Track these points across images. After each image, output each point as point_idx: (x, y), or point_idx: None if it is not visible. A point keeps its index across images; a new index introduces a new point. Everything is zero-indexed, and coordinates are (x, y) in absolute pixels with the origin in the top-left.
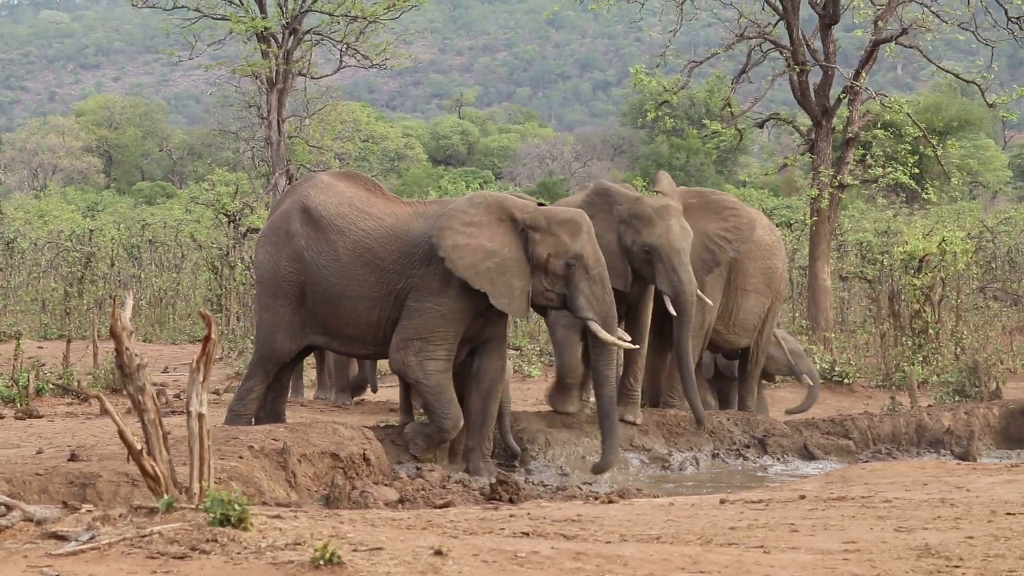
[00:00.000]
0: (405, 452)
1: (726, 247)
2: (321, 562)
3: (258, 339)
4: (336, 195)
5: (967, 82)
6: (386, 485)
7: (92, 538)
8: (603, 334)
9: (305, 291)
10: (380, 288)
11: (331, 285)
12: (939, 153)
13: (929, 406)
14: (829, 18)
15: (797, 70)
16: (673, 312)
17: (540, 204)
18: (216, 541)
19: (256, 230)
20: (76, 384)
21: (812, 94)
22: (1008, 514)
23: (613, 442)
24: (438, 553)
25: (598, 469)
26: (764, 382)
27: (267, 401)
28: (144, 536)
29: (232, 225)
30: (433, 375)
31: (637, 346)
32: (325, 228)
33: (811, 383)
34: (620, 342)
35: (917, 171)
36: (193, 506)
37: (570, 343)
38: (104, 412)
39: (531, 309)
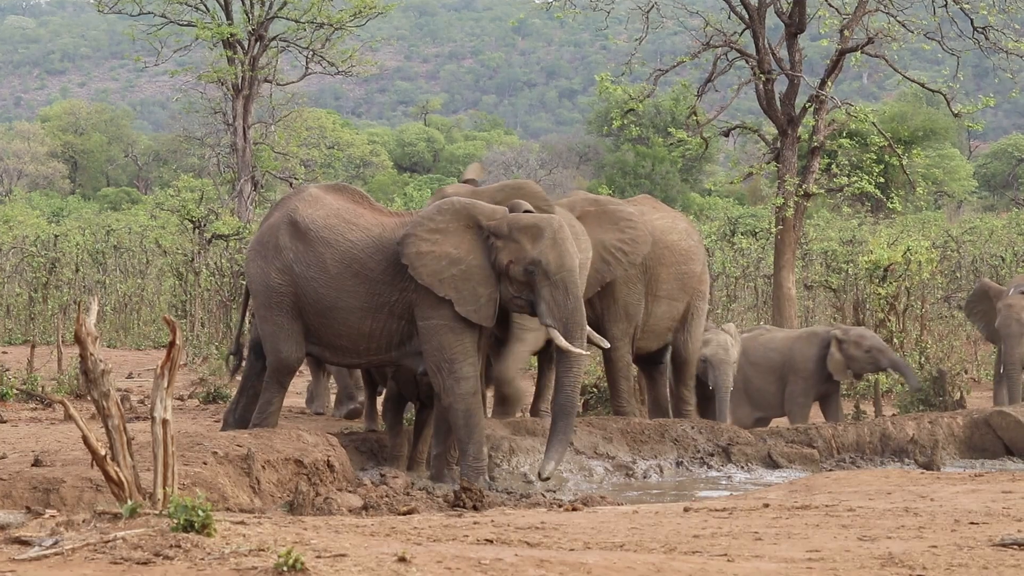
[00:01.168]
0: (369, 459)
1: (621, 259)
2: (285, 568)
3: (266, 351)
4: (323, 207)
5: (933, 91)
6: (350, 492)
7: (56, 543)
8: (560, 341)
9: (296, 303)
10: (370, 299)
11: (321, 297)
12: (904, 162)
13: (893, 415)
14: (795, 27)
15: (763, 79)
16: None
17: (511, 210)
18: (180, 547)
19: (221, 236)
20: (40, 389)
21: (778, 103)
22: (971, 523)
23: (559, 450)
24: (402, 560)
25: (541, 476)
26: (853, 383)
27: (237, 406)
28: (108, 542)
29: (197, 231)
30: (463, 398)
31: (587, 353)
32: (313, 240)
33: (905, 373)
34: (573, 348)
35: (882, 180)
36: (157, 512)
37: (511, 354)
38: (68, 417)
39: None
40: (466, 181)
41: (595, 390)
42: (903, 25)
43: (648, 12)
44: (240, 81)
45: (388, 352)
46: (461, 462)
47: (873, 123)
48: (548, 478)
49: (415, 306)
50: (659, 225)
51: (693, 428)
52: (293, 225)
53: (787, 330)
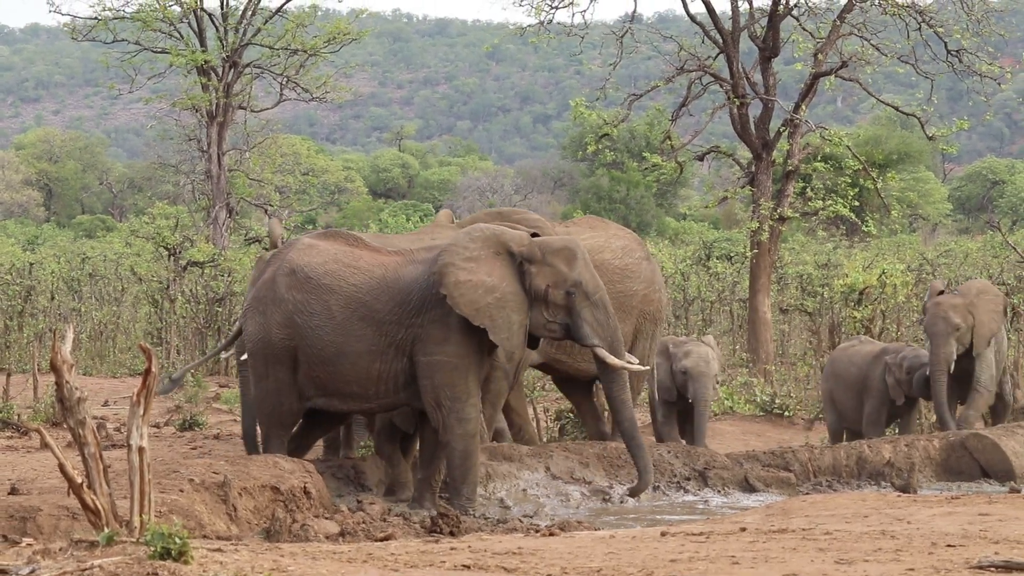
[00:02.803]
0: (346, 485)
1: None
2: None
3: (262, 410)
4: (320, 254)
5: (907, 115)
6: (327, 518)
7: (32, 572)
8: (611, 359)
9: (298, 356)
10: (378, 341)
11: (327, 344)
12: (879, 186)
13: (869, 438)
14: (769, 51)
15: (737, 103)
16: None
17: (534, 235)
18: (157, 575)
19: (197, 263)
20: (16, 417)
21: (752, 127)
22: (948, 546)
23: (645, 462)
24: None
25: (634, 492)
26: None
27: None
28: (85, 569)
29: (172, 258)
30: (463, 439)
31: (647, 367)
32: (315, 288)
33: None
34: (629, 366)
35: (857, 204)
36: (134, 540)
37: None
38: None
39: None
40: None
41: (571, 415)
42: (877, 49)
43: (622, 37)
44: (214, 108)
45: (397, 394)
46: (453, 501)
47: (847, 146)
48: (639, 493)
49: (418, 341)
50: (589, 245)
51: (669, 452)
52: (291, 275)
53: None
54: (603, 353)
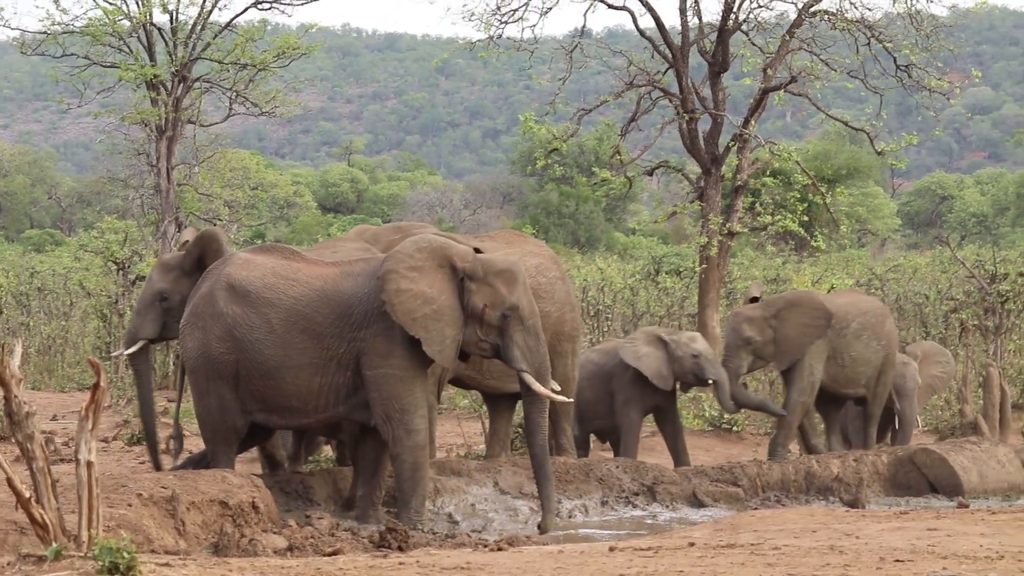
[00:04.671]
0: (294, 499)
1: None
2: None
3: (206, 427)
4: (258, 268)
5: (856, 130)
6: (275, 533)
7: None
8: (536, 386)
9: (239, 370)
10: (319, 354)
11: (268, 358)
12: (828, 201)
13: (818, 453)
14: (718, 66)
15: (686, 118)
16: None
17: (476, 251)
18: None
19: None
20: None
21: (701, 142)
22: (897, 561)
23: (550, 493)
24: None
25: (543, 530)
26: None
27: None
28: None
29: (121, 273)
30: (412, 451)
31: (570, 399)
32: (254, 302)
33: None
34: (552, 394)
35: (806, 219)
36: (82, 554)
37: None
38: None
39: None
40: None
41: (519, 431)
42: (826, 64)
43: (571, 52)
44: (163, 122)
45: (336, 407)
46: (401, 513)
47: (797, 162)
48: (548, 530)
49: (363, 355)
50: None
51: (618, 467)
52: (230, 290)
53: None
54: (529, 379)
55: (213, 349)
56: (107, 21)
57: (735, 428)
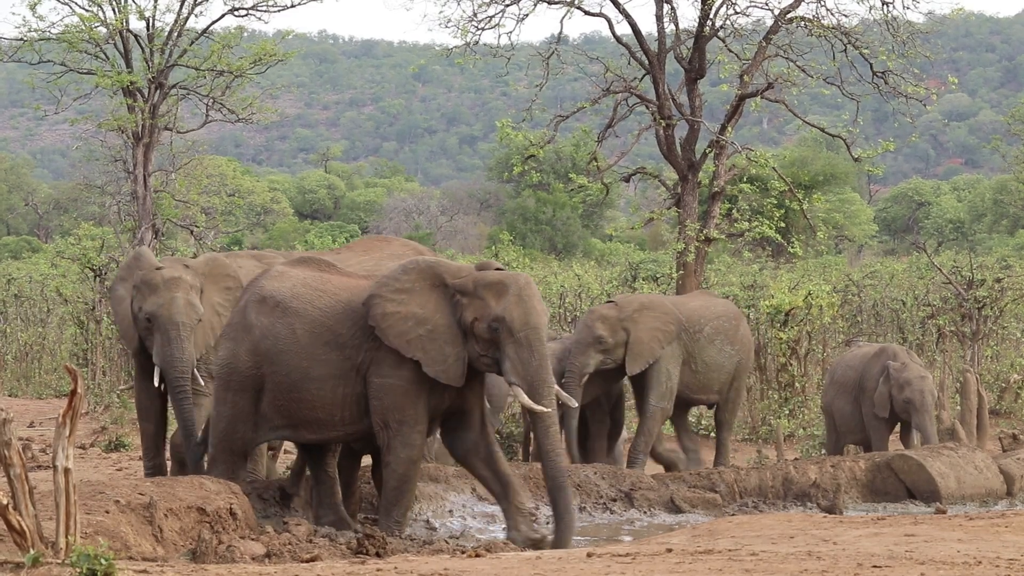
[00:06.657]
0: (272, 506)
1: None
2: None
3: (215, 432)
4: (290, 279)
5: (832, 136)
6: (253, 539)
7: None
8: (524, 399)
9: (265, 383)
10: (342, 364)
11: (292, 369)
12: (805, 207)
13: (795, 459)
14: (695, 72)
15: (663, 124)
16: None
17: (480, 267)
18: None
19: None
20: None
21: (678, 148)
22: (874, 567)
23: (570, 523)
24: None
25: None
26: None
27: (319, 495)
28: None
29: (98, 279)
30: (404, 463)
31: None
32: (281, 313)
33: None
34: (535, 407)
35: (783, 225)
36: (59, 561)
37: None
38: None
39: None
40: None
41: (498, 436)
42: (803, 70)
43: (548, 58)
44: (140, 129)
45: (362, 420)
46: (381, 520)
47: (773, 168)
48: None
49: (373, 364)
50: (366, 269)
51: (596, 474)
52: (261, 302)
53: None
54: (519, 392)
55: (240, 362)
56: (84, 28)
57: (712, 434)
